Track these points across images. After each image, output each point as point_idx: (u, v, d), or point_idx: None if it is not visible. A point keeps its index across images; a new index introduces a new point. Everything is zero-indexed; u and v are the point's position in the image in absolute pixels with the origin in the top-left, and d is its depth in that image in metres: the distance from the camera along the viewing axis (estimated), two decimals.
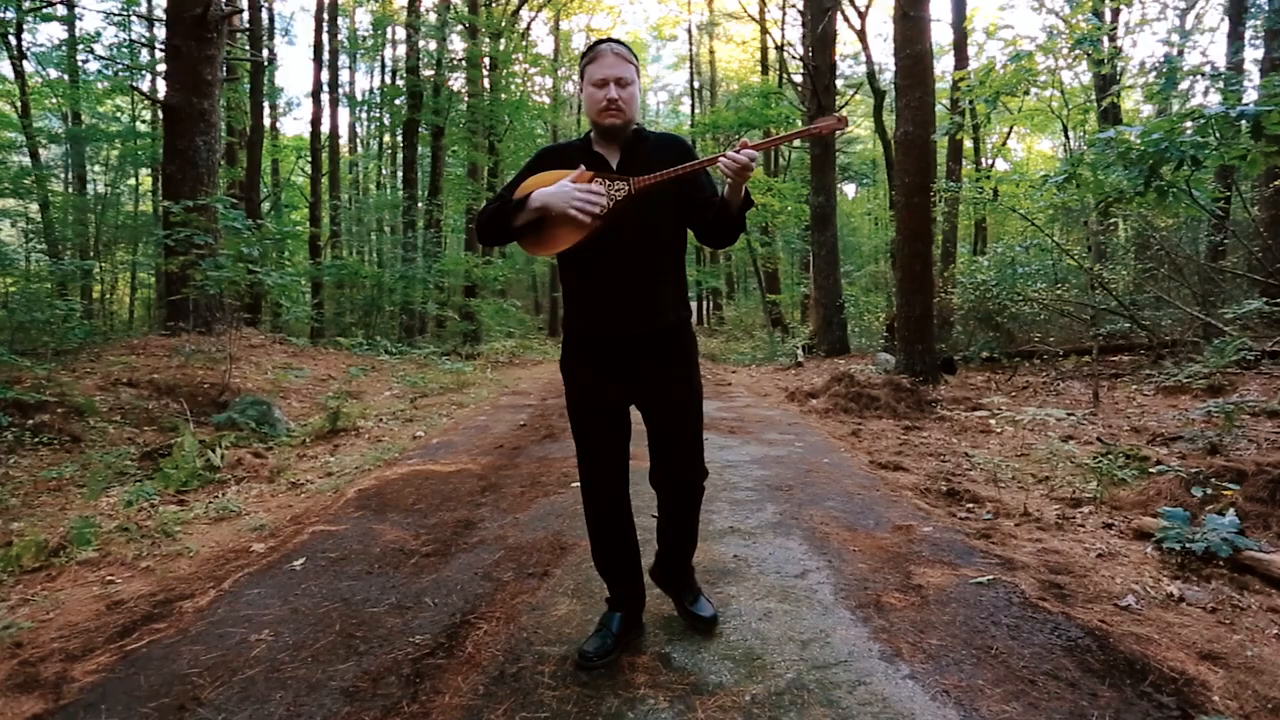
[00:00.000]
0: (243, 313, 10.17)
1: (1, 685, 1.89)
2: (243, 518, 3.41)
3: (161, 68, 15.83)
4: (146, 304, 20.22)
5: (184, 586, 2.56)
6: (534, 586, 2.53)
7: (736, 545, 2.97)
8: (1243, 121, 4.10)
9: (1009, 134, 22.48)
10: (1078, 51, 5.80)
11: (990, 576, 2.65)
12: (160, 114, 16.64)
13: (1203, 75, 6.11)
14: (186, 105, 8.60)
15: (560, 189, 1.82)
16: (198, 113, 8.67)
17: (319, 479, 4.15)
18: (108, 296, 15.93)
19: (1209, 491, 3.24)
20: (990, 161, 22.06)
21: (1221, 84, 5.82)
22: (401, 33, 22.61)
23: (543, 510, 3.43)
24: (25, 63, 14.78)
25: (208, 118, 8.79)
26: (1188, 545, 2.76)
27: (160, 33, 16.04)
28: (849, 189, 31.83)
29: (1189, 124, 4.57)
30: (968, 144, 20.03)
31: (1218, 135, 4.26)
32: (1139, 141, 4.27)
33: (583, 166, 1.87)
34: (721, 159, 1.79)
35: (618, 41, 1.96)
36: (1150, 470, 3.88)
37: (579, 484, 2.08)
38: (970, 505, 3.69)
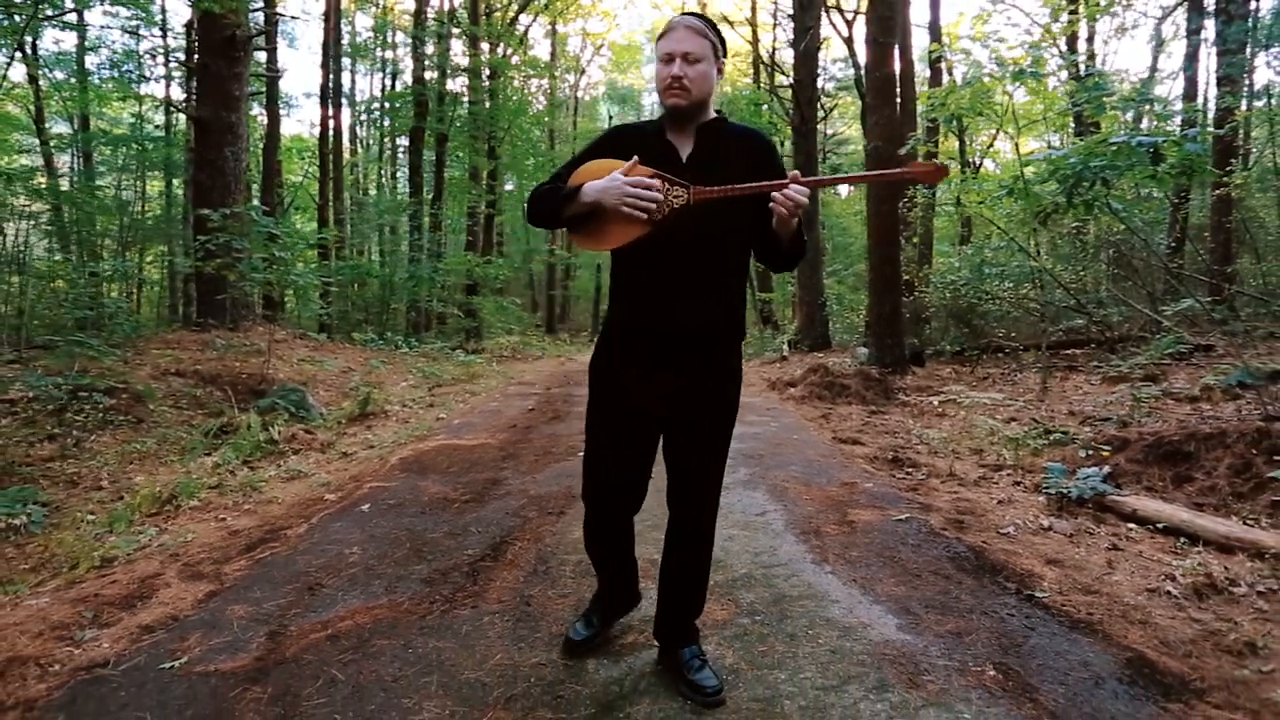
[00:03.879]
0: (265, 310, 10.87)
1: (178, 577, 2.63)
2: (310, 478, 4.15)
3: (176, 74, 16.53)
4: (152, 302, 20.85)
5: (281, 522, 3.30)
6: (553, 520, 3.28)
7: None
8: (1143, 149, 4.84)
9: (995, 136, 23.27)
10: (1023, 78, 6.52)
11: (908, 515, 3.41)
12: (169, 117, 17.33)
13: (1133, 101, 6.85)
14: (216, 119, 9.29)
15: (610, 184, 1.65)
16: (226, 125, 9.37)
17: (363, 450, 4.89)
18: (130, 295, 16.58)
19: (1092, 453, 4.01)
20: (977, 163, 22.78)
21: (1149, 107, 6.56)
22: (400, 36, 23.34)
23: (555, 472, 4.18)
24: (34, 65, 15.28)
25: (235, 130, 9.48)
26: (1063, 491, 3.53)
27: (173, 41, 16.75)
28: (842, 188, 32.54)
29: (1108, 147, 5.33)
30: (954, 146, 20.81)
31: (1127, 160, 5.01)
32: (1052, 165, 5.02)
33: (636, 158, 1.70)
34: (776, 193, 1.65)
35: (694, 14, 1.78)
36: (1061, 441, 4.65)
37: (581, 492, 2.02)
38: (910, 469, 4.45)
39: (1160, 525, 3.14)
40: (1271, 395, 4.58)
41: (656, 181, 1.67)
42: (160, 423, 5.78)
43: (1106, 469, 3.75)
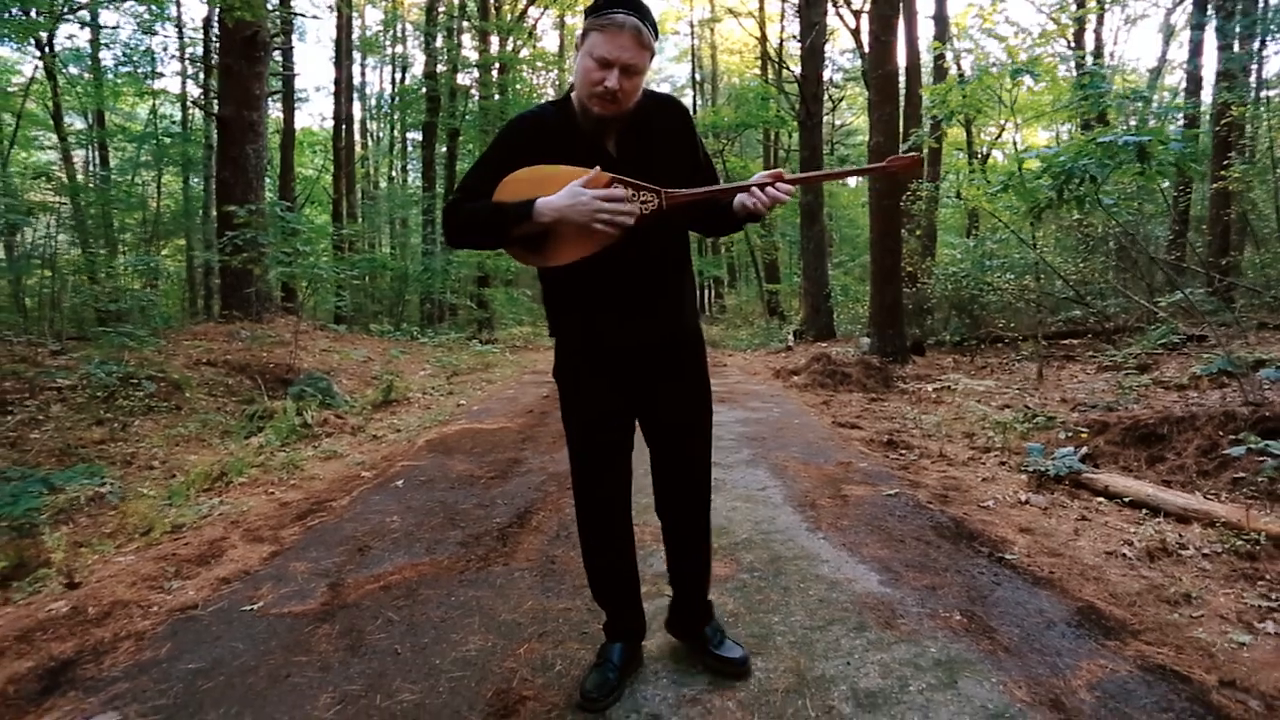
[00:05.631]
0: (285, 302, 11.24)
1: (241, 540, 2.96)
2: (345, 457, 4.49)
3: (192, 70, 16.88)
4: (169, 295, 21.30)
5: (325, 495, 3.64)
6: (571, 493, 3.60)
7: (717, 473, 4.02)
8: (1130, 148, 5.08)
9: (1004, 127, 23.35)
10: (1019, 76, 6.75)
11: (897, 491, 3.70)
12: (185, 113, 17.69)
13: (1128, 99, 7.06)
14: (238, 117, 9.63)
15: (577, 200, 1.52)
16: (247, 124, 9.70)
17: (391, 434, 5.23)
18: (151, 288, 16.98)
19: (1071, 436, 4.29)
20: (985, 154, 22.87)
21: (1148, 104, 6.77)
22: (409, 29, 23.64)
23: None
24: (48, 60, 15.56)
25: (256, 128, 9.82)
26: (1041, 470, 3.82)
27: (188, 38, 17.09)
28: (851, 179, 32.66)
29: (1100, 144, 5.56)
30: (962, 137, 20.94)
31: (1115, 158, 5.25)
32: (1044, 162, 5.28)
33: (598, 169, 1.57)
34: (754, 193, 1.59)
35: (642, 13, 1.57)
36: (1045, 425, 4.93)
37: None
38: (903, 451, 4.74)
39: (1128, 499, 3.43)
40: (1254, 383, 4.84)
41: (628, 192, 1.56)
42: (197, 409, 6.13)
43: (1084, 450, 4.04)
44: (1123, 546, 2.89)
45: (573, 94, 1.67)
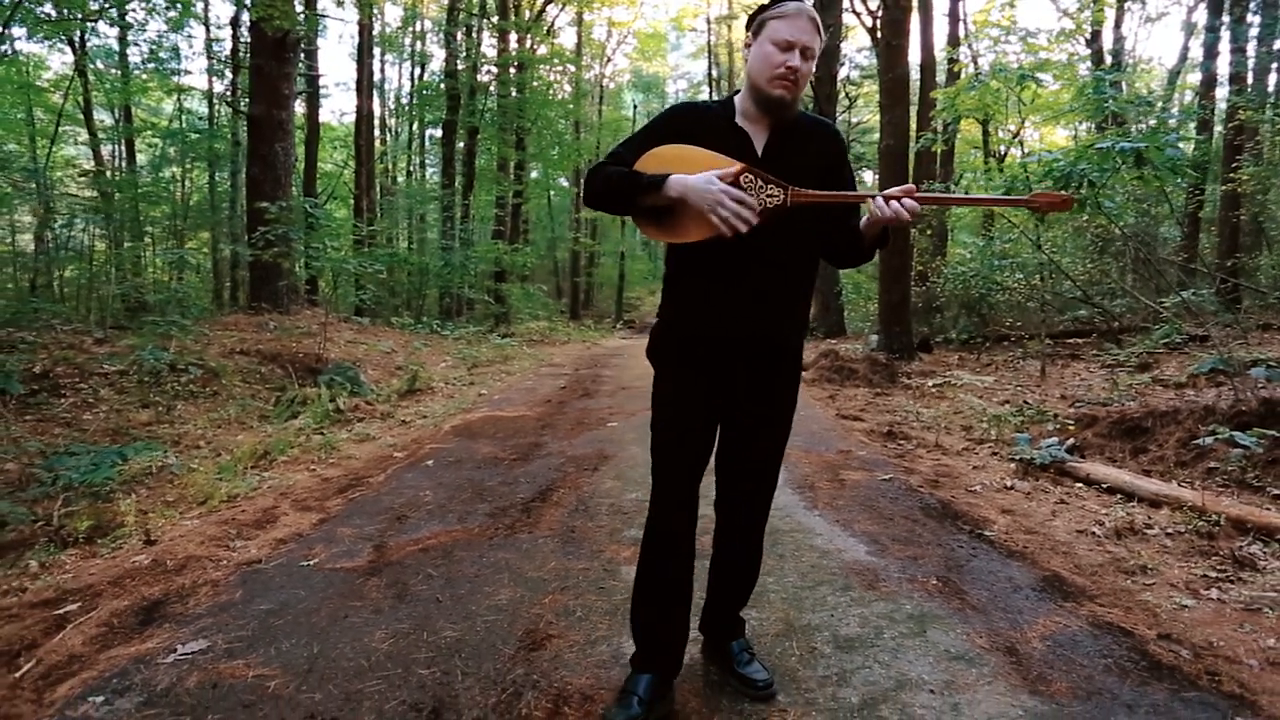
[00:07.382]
0: (309, 295, 11.63)
1: (291, 509, 3.29)
2: (377, 440, 4.81)
3: (218, 67, 17.32)
4: (195, 287, 21.85)
5: (363, 472, 3.96)
6: (589, 474, 3.90)
7: None
8: (1127, 153, 5.29)
9: (1022, 125, 23.32)
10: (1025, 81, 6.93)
11: (891, 476, 3.97)
12: (212, 109, 18.14)
13: (1133, 104, 7.23)
14: (267, 116, 9.98)
15: (707, 186, 1.56)
16: (276, 122, 10.05)
17: (419, 420, 5.56)
18: (181, 281, 17.47)
19: (1060, 428, 4.53)
20: (1002, 152, 22.88)
21: (1152, 107, 6.96)
22: (428, 24, 24.00)
23: (589, 438, 4.80)
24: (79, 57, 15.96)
25: (285, 126, 10.17)
26: (1028, 458, 4.06)
27: (215, 32, 17.54)
28: (867, 176, 32.66)
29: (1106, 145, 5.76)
30: (979, 135, 20.98)
31: (1115, 163, 5.45)
32: (1043, 165, 5.50)
33: (739, 166, 1.60)
34: (878, 203, 1.60)
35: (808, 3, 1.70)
36: (1038, 419, 5.17)
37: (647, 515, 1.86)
38: (901, 441, 5.00)
39: (1106, 486, 3.67)
40: (1247, 382, 5.05)
41: (757, 183, 1.61)
42: (234, 395, 6.49)
43: (1070, 441, 4.28)
44: (1094, 526, 3.14)
45: (736, 97, 1.77)
